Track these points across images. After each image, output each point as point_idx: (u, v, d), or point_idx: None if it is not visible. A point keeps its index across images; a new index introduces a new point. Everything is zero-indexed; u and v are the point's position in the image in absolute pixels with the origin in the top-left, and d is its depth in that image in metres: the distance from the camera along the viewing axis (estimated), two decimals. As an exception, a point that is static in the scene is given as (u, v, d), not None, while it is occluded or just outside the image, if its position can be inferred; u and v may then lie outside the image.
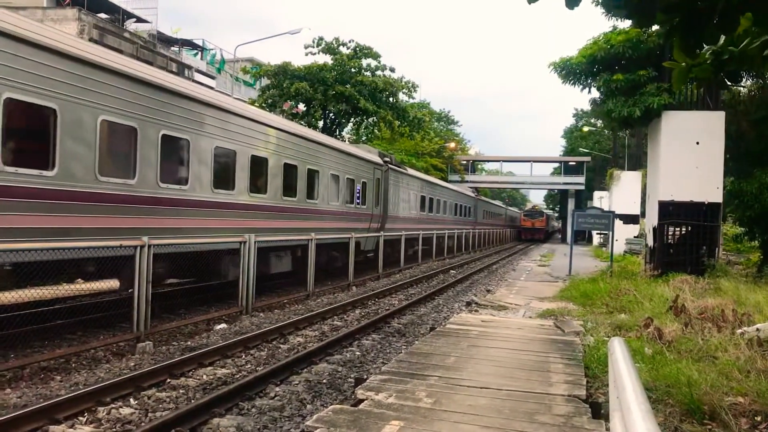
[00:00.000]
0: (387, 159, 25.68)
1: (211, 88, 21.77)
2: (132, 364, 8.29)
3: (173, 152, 11.66)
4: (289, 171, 16.16)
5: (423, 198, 31.52)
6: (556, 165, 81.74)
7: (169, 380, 7.61)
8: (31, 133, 9.09)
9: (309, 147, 17.57)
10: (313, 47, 34.10)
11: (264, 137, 14.86)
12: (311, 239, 15.41)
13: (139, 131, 10.59)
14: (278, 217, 15.45)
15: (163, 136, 11.22)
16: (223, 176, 13.11)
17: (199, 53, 44.19)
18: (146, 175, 10.81)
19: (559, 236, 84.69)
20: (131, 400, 6.84)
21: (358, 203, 21.47)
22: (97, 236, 9.46)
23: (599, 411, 5.79)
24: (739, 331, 9.15)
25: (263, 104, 32.76)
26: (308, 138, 17.88)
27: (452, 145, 67.85)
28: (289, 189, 16.06)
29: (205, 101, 12.61)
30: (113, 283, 12.78)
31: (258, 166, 14.47)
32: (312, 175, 17.62)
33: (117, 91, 10.06)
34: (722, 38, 4.43)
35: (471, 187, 58.40)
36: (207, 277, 13.48)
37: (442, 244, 32.27)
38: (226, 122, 13.21)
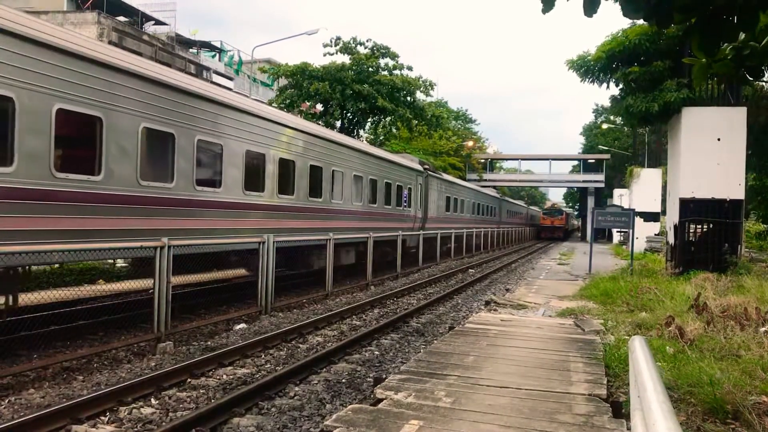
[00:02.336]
0: (426, 166, 28.81)
1: (229, 89, 21.95)
2: (153, 364, 8.37)
3: (285, 171, 14.83)
4: (357, 181, 19.23)
5: (456, 200, 34.13)
6: (576, 163, 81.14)
7: (189, 380, 7.66)
8: (211, 162, 12.12)
9: (369, 160, 20.52)
10: (331, 47, 34.17)
11: (339, 154, 17.98)
12: (330, 239, 15.49)
13: (266, 156, 13.95)
14: (343, 218, 18.14)
15: (280, 159, 14.53)
16: (315, 187, 16.35)
17: (217, 55, 44.44)
18: (270, 189, 14.07)
19: (579, 234, 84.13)
20: (152, 400, 6.90)
21: (405, 206, 24.49)
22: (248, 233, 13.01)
23: (620, 410, 5.74)
24: (763, 329, 9.04)
25: (281, 104, 32.87)
26: (369, 153, 20.99)
27: (470, 143, 67.59)
28: (356, 196, 19.23)
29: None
30: (135, 284, 12.92)
31: (337, 177, 17.82)
32: (373, 183, 20.75)
33: (257, 129, 13.56)
34: (742, 34, 4.37)
35: (489, 186, 58.44)
36: (302, 267, 16.64)
37: (465, 243, 32.40)
38: (316, 145, 16.53)
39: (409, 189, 24.96)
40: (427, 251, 25.72)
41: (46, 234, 8.41)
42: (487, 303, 14.86)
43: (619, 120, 55.77)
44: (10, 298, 9.13)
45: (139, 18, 35.23)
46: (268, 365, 8.66)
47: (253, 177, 13.46)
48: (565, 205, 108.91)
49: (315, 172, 16.37)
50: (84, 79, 9.00)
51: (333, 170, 17.49)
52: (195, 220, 11.59)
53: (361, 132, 38.94)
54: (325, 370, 8.49)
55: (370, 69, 33.92)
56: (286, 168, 14.83)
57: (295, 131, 15.49)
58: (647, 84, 19.22)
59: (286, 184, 14.84)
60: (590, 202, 66.36)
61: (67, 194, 8.75)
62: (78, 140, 9.43)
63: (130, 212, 9.90)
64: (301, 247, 15.24)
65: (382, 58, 34.61)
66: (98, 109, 9.26)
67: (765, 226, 32.29)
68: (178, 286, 11.11)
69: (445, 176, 33.88)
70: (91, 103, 9.14)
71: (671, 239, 19.34)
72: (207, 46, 43.54)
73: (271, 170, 14.14)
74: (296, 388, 7.51)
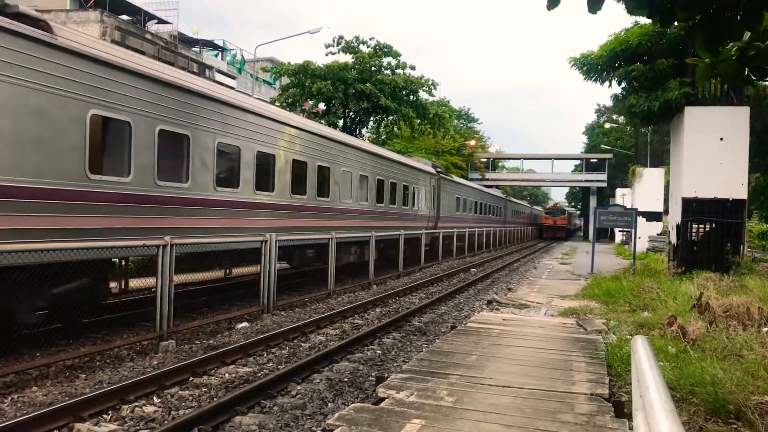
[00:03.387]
0: (439, 169, 30.60)
1: (232, 88, 22.01)
2: (155, 362, 8.38)
3: (322, 176, 16.39)
4: (379, 184, 21.00)
5: (465, 201, 35.58)
6: (578, 162, 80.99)
7: (191, 379, 7.67)
8: (265, 170, 13.63)
9: (389, 164, 22.20)
10: (334, 46, 34.13)
11: (364, 160, 19.62)
12: (331, 238, 15.51)
13: (308, 164, 15.61)
14: (366, 218, 19.66)
15: (318, 166, 16.13)
16: (345, 190, 18.03)
17: (220, 54, 44.41)
18: (310, 192, 15.68)
19: (581, 234, 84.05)
20: (154, 398, 6.91)
21: (420, 206, 26.40)
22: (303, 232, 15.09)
23: (622, 410, 5.74)
24: (765, 329, 9.03)
25: (284, 103, 32.83)
26: (388, 158, 22.69)
27: (472, 142, 67.55)
28: (377, 198, 20.95)
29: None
30: (137, 283, 12.92)
31: (363, 181, 19.62)
32: (393, 186, 22.35)
33: (301, 141, 15.31)
34: (747, 34, 4.35)
35: (492, 185, 58.66)
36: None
37: (467, 243, 32.57)
38: (345, 151, 18.16)
39: (424, 191, 26.81)
40: (429, 251, 26.14)
41: (149, 231, 9.92)
42: (490, 302, 14.86)
43: (621, 119, 55.85)
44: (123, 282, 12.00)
45: (141, 17, 35.22)
46: (271, 364, 8.67)
47: (298, 182, 15.08)
48: (567, 204, 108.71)
49: (345, 177, 18.03)
50: (178, 104, 10.72)
51: (360, 174, 19.19)
52: (253, 220, 13.15)
53: (364, 131, 38.92)
54: (327, 368, 8.50)
55: (373, 68, 33.89)
56: (322, 174, 16.46)
57: (329, 140, 17.03)
58: (650, 83, 19.16)
59: (322, 188, 16.44)
60: (593, 201, 66.32)
61: (165, 198, 10.45)
62: (172, 154, 10.83)
63: (207, 213, 11.58)
64: (338, 243, 16.39)
65: (385, 57, 34.56)
66: (187, 129, 10.99)
67: (768, 225, 32.23)
68: (180, 284, 11.15)
69: (456, 178, 35.36)
70: (182, 124, 10.86)
71: (673, 239, 19.32)
72: (210, 44, 43.48)
73: (311, 176, 15.77)
74: (298, 387, 7.51)
